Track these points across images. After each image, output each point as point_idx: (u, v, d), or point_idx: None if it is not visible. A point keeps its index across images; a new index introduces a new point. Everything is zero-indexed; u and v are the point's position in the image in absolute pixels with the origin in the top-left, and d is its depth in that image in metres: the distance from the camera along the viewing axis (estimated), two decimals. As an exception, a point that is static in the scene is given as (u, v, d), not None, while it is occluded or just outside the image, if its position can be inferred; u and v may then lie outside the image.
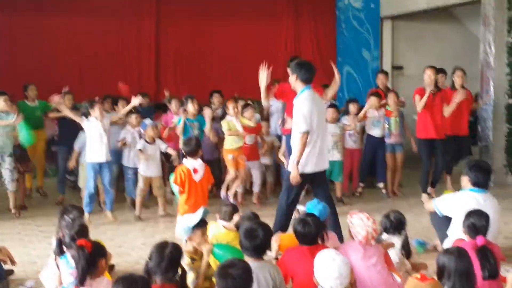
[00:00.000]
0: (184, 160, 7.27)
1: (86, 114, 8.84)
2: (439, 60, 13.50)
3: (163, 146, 9.16)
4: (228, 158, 9.37)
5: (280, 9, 14.27)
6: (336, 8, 14.49)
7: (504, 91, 11.06)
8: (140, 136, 9.29)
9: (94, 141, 8.62)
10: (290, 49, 14.36)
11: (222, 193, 9.50)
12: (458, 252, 4.29)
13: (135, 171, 9.39)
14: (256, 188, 9.86)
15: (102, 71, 12.88)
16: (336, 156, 9.73)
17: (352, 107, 10.47)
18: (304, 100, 6.79)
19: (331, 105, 9.96)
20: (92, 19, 12.70)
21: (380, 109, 10.26)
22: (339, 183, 9.86)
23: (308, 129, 6.69)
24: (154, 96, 12.87)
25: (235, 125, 9.33)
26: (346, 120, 10.22)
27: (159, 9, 13.35)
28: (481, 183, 6.11)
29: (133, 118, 9.54)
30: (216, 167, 10.11)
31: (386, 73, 11.51)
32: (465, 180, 6.22)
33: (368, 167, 10.45)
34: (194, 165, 7.10)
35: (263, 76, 7.40)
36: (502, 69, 11.04)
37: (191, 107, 9.51)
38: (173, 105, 10.43)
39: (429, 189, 9.77)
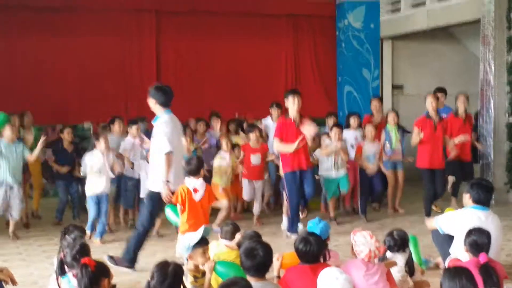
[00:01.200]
0: (186, 179, 7.28)
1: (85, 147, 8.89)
2: (439, 79, 13.60)
3: None
4: (218, 191, 9.43)
5: (280, 28, 14.37)
6: (336, 28, 14.59)
7: (504, 109, 11.09)
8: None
9: (95, 174, 8.70)
10: (290, 69, 14.47)
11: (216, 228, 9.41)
12: (462, 273, 4.27)
13: (136, 182, 9.39)
14: (257, 210, 9.89)
15: (103, 91, 12.94)
16: (340, 172, 9.73)
17: (353, 121, 10.50)
18: (165, 123, 7.28)
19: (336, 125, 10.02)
20: (92, 39, 12.81)
21: (375, 143, 10.13)
22: (331, 202, 9.84)
23: (172, 150, 7.09)
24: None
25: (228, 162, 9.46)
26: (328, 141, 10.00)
27: (159, 28, 13.47)
28: (483, 200, 6.10)
29: (133, 128, 9.57)
30: None
31: (379, 98, 11.46)
32: (466, 198, 6.21)
33: (366, 199, 10.26)
34: (194, 184, 7.08)
35: None
36: (502, 88, 11.08)
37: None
38: None
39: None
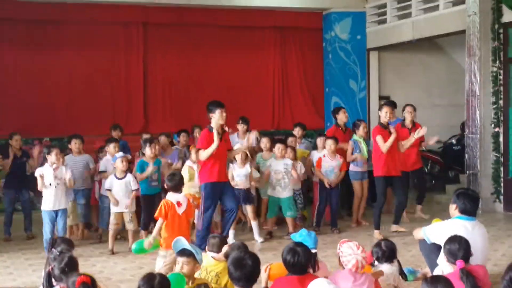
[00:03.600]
0: (168, 194, 7.37)
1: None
2: (425, 90, 13.73)
3: (132, 183, 9.06)
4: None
5: (267, 40, 14.44)
6: (323, 40, 14.66)
7: (490, 120, 11.16)
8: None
9: (48, 188, 8.59)
10: (277, 81, 14.54)
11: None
12: (440, 281, 4.33)
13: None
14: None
15: (90, 104, 12.94)
16: (283, 193, 9.60)
17: (319, 141, 10.46)
18: None
19: (281, 141, 9.93)
20: (79, 52, 12.85)
21: (335, 157, 9.98)
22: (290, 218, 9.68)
23: None
24: (143, 128, 12.89)
25: (195, 173, 9.33)
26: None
27: (146, 41, 13.48)
28: (469, 210, 6.13)
29: (111, 146, 9.57)
30: None
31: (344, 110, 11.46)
32: (452, 208, 6.25)
33: (322, 214, 10.10)
34: (177, 198, 7.22)
35: None
36: (488, 98, 11.15)
37: (148, 150, 9.48)
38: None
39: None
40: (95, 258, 8.47)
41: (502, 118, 11.11)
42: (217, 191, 8.73)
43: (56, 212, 8.62)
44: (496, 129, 11.15)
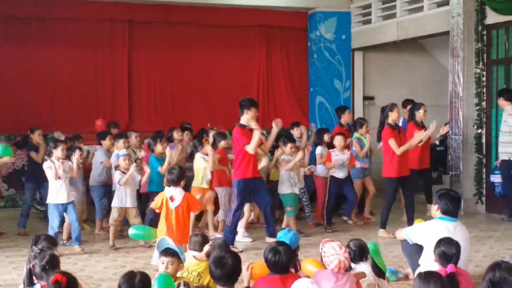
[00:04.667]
0: (165, 188, 7.49)
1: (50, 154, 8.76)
2: (409, 90, 13.75)
3: (137, 177, 9.11)
4: (197, 197, 9.38)
5: (252, 39, 14.42)
6: (308, 39, 14.67)
7: (473, 121, 11.22)
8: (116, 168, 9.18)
9: (55, 181, 8.57)
10: (262, 80, 14.52)
11: (211, 235, 9.37)
12: (435, 277, 4.36)
13: None
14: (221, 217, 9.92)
15: (75, 101, 12.88)
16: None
17: (326, 137, 10.56)
18: None
19: (291, 140, 10.00)
20: (63, 48, 12.76)
21: (344, 152, 10.12)
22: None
23: None
24: (126, 126, 12.84)
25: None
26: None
27: (131, 39, 13.41)
28: (451, 211, 6.16)
29: (120, 142, 9.55)
30: None
31: (349, 111, 11.55)
32: (434, 209, 6.28)
33: (332, 209, 10.20)
34: (172, 193, 7.24)
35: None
36: (471, 100, 11.21)
37: (159, 147, 9.48)
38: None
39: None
40: (77, 256, 8.41)
41: (485, 120, 11.17)
42: (250, 187, 8.78)
43: (64, 205, 8.59)
44: (479, 131, 11.21)
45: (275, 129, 8.93)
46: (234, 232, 8.74)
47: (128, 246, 8.95)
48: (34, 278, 5.12)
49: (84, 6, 12.69)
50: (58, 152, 8.61)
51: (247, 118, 8.69)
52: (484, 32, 11.08)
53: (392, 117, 9.40)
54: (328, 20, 14.33)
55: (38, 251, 5.42)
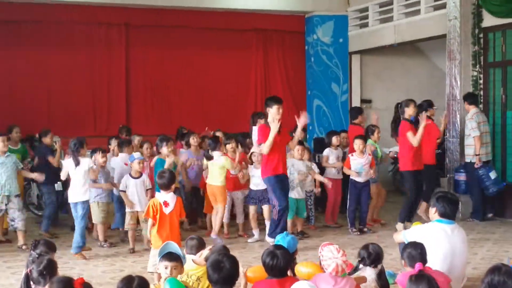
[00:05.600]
0: (157, 193, 7.34)
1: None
2: (406, 93, 13.72)
3: (147, 183, 9.13)
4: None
5: (250, 42, 14.45)
6: (305, 43, 14.69)
7: (470, 124, 11.22)
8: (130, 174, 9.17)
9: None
10: (260, 83, 14.54)
11: (213, 235, 9.40)
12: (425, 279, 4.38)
13: None
14: (240, 219, 9.97)
15: (72, 104, 12.89)
16: (301, 194, 9.76)
17: (335, 140, 10.54)
18: None
19: (299, 142, 9.93)
20: (60, 52, 12.78)
21: (364, 155, 10.01)
22: (301, 218, 9.85)
23: None
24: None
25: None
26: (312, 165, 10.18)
27: (128, 42, 13.43)
28: (448, 214, 6.16)
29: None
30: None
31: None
32: (432, 212, 6.28)
33: (354, 212, 10.19)
34: (165, 198, 7.16)
35: None
36: (468, 103, 11.22)
37: (165, 149, 9.49)
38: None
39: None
40: (75, 260, 8.40)
41: (482, 122, 11.18)
42: (282, 182, 8.89)
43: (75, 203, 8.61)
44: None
45: (301, 124, 8.95)
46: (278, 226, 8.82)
47: (125, 251, 8.94)
48: (31, 283, 5.11)
49: (80, 10, 12.71)
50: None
51: (270, 116, 8.82)
52: (481, 35, 11.11)
53: (408, 112, 9.57)
54: (325, 24, 14.37)
55: (37, 256, 5.42)
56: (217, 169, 9.46)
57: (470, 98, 10.80)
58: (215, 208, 9.48)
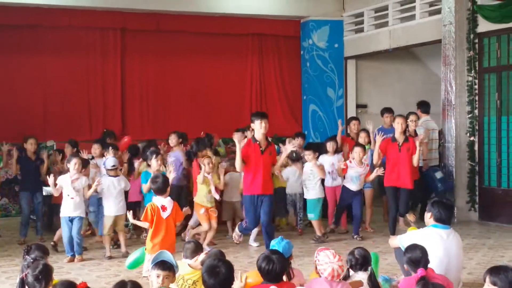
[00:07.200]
0: (154, 197, 7.35)
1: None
2: (401, 98, 13.83)
3: (126, 184, 9.04)
4: (199, 212, 9.29)
5: (245, 47, 14.45)
6: (301, 48, 14.71)
7: (465, 129, 11.26)
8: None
9: (66, 196, 8.59)
10: (255, 88, 14.54)
11: (205, 246, 9.31)
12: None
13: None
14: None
15: (67, 109, 12.85)
16: (322, 193, 9.94)
17: (330, 146, 10.44)
18: None
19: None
20: (56, 56, 12.74)
21: (363, 165, 9.98)
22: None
23: None
24: (120, 134, 12.81)
25: (210, 182, 9.24)
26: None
27: (124, 47, 13.41)
28: (444, 219, 6.17)
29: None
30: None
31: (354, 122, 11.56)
32: (428, 217, 6.28)
33: (342, 212, 10.28)
34: (162, 202, 7.18)
35: None
36: (463, 108, 11.26)
37: (154, 163, 9.32)
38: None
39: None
40: (70, 265, 8.38)
41: (477, 127, 11.22)
42: (254, 204, 8.47)
43: (71, 218, 8.55)
44: (472, 138, 11.25)
45: (286, 151, 8.87)
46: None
47: (121, 255, 8.90)
48: (26, 287, 5.09)
49: (77, 15, 12.67)
50: (71, 166, 8.57)
51: (255, 131, 8.60)
52: (476, 41, 11.14)
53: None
54: (321, 29, 14.39)
55: (31, 260, 5.40)
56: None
57: (423, 107, 11.42)
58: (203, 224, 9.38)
